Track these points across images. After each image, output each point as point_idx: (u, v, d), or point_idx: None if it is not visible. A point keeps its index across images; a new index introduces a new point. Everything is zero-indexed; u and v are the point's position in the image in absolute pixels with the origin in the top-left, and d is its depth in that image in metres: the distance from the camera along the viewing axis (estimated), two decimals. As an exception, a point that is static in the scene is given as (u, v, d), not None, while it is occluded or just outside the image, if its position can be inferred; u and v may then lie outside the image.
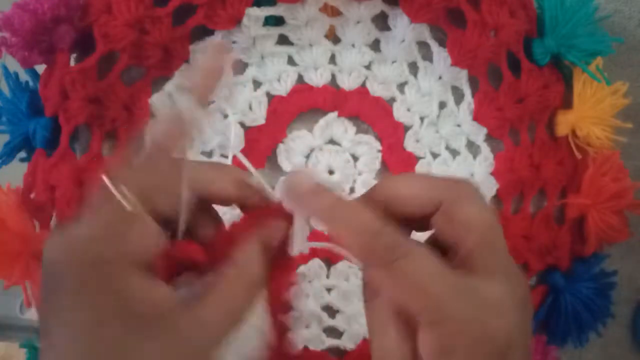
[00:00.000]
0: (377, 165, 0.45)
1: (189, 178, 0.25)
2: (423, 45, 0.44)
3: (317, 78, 0.44)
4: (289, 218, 0.26)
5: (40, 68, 0.40)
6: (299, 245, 0.26)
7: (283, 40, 0.43)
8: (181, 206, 0.24)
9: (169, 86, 0.25)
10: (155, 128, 0.25)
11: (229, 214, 0.29)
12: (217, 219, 0.28)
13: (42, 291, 0.22)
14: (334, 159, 0.44)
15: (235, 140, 0.43)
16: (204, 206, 0.26)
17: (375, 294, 0.25)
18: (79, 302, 0.21)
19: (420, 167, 0.45)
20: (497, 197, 0.45)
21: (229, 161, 0.42)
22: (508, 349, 0.23)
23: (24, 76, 0.42)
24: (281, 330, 0.27)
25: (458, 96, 0.45)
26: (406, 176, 0.28)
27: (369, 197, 0.26)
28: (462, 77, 0.44)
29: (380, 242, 0.23)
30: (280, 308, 0.27)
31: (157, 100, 0.42)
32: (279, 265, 0.26)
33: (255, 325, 0.26)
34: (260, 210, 0.27)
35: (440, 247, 0.25)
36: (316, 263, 0.44)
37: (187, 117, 0.25)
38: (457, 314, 0.22)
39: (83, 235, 0.22)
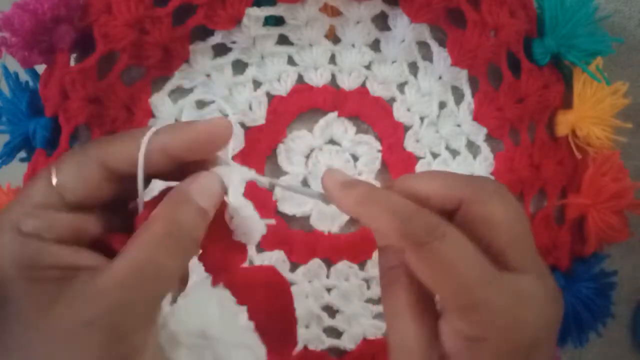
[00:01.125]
0: (377, 165, 0.45)
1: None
2: (423, 45, 0.44)
3: (317, 78, 0.44)
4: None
5: (40, 68, 0.40)
6: (235, 197, 0.25)
7: (283, 40, 0.43)
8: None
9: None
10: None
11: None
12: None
13: None
14: (334, 159, 0.44)
15: (235, 140, 0.43)
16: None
17: (393, 280, 0.25)
18: None
19: (420, 167, 0.45)
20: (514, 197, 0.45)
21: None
22: (536, 343, 0.23)
23: (24, 76, 0.42)
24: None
25: (458, 96, 0.45)
26: (425, 174, 0.28)
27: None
28: (462, 77, 0.44)
29: (417, 222, 0.23)
30: (279, 331, 0.27)
31: (157, 100, 0.42)
32: (225, 252, 0.26)
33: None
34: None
35: None
36: (316, 263, 0.44)
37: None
38: (490, 302, 0.22)
39: (7, 211, 0.24)
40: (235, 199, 0.25)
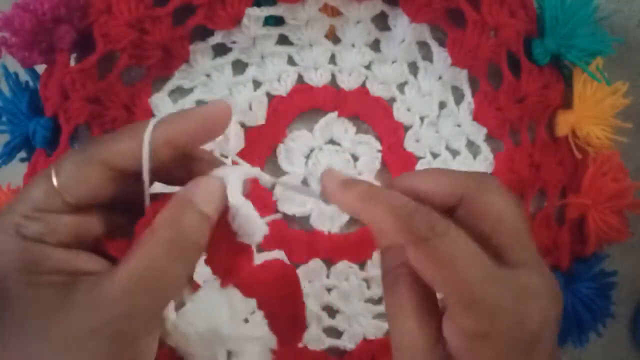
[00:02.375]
0: (377, 165, 0.45)
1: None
2: (423, 45, 0.44)
3: (317, 78, 0.44)
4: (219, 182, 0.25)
5: (40, 68, 0.40)
6: (235, 198, 0.25)
7: (283, 40, 0.43)
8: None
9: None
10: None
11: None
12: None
13: None
14: (334, 159, 0.44)
15: (235, 140, 0.43)
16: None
17: (396, 280, 0.25)
18: None
19: (420, 167, 0.45)
20: (513, 193, 0.45)
21: (228, 162, 0.43)
22: (538, 337, 0.23)
23: (24, 76, 0.42)
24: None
25: (458, 96, 0.45)
26: (424, 171, 0.27)
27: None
28: (462, 77, 0.44)
29: (417, 219, 0.23)
30: (288, 318, 0.27)
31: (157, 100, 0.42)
32: (231, 254, 0.26)
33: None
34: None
35: None
36: (316, 263, 0.44)
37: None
38: (491, 297, 0.22)
39: (7, 212, 0.23)
40: (234, 198, 0.25)
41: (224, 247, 0.26)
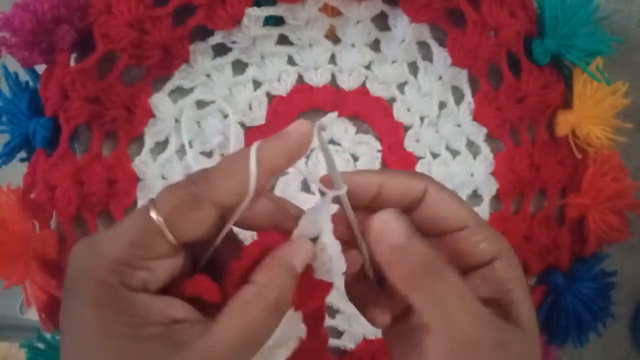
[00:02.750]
0: (377, 165, 0.45)
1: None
2: (423, 45, 0.44)
3: (317, 78, 0.44)
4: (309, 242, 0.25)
5: (40, 68, 0.40)
6: (336, 269, 0.25)
7: (283, 40, 0.43)
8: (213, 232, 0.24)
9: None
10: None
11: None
12: (235, 239, 0.27)
13: (63, 292, 0.23)
14: (334, 159, 0.44)
15: (236, 140, 0.43)
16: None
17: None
18: (91, 315, 0.21)
19: (420, 167, 0.45)
20: (497, 197, 0.45)
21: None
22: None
23: (24, 76, 0.42)
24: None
25: (458, 96, 0.45)
26: (394, 171, 0.27)
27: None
28: (462, 77, 0.44)
29: (421, 259, 0.24)
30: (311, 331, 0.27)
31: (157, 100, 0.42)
32: (307, 290, 0.26)
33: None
34: (274, 234, 0.25)
35: None
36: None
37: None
38: (478, 345, 0.23)
39: (107, 252, 0.22)
40: (328, 238, 0.25)
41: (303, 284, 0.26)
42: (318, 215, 0.25)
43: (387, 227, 0.24)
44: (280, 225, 0.26)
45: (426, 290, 0.24)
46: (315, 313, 0.27)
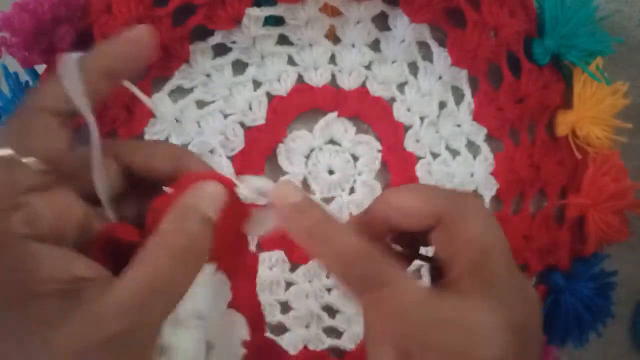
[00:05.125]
0: (377, 165, 0.45)
1: (117, 153, 0.24)
2: (423, 45, 0.44)
3: (317, 78, 0.44)
4: (230, 185, 0.24)
5: (40, 68, 0.40)
6: (258, 228, 0.24)
7: (283, 40, 0.43)
8: (100, 184, 0.23)
9: None
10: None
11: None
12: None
13: None
14: (334, 159, 0.44)
15: (235, 140, 0.43)
16: (139, 186, 0.25)
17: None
18: None
19: (420, 167, 0.45)
20: (497, 197, 0.45)
21: (230, 164, 0.43)
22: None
23: (24, 76, 0.42)
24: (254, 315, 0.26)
25: (458, 96, 0.45)
26: (408, 188, 0.26)
27: (370, 211, 0.26)
28: (462, 77, 0.44)
29: (355, 271, 0.22)
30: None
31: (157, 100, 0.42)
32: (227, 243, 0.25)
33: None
34: (195, 174, 0.24)
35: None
36: (316, 263, 0.44)
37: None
38: (436, 345, 0.21)
39: None
40: (252, 182, 0.24)
41: (230, 240, 0.25)
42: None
43: (283, 187, 0.25)
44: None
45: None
46: (252, 310, 0.26)
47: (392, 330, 0.22)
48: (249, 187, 0.25)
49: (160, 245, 0.22)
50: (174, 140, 0.43)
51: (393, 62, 0.45)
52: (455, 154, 0.45)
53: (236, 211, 0.25)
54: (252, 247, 0.43)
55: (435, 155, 0.45)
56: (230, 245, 0.25)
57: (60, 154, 0.23)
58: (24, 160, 0.21)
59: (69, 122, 0.24)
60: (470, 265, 0.22)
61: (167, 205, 0.23)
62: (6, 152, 0.21)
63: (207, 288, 0.24)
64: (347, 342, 0.44)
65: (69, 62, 0.23)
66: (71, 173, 0.24)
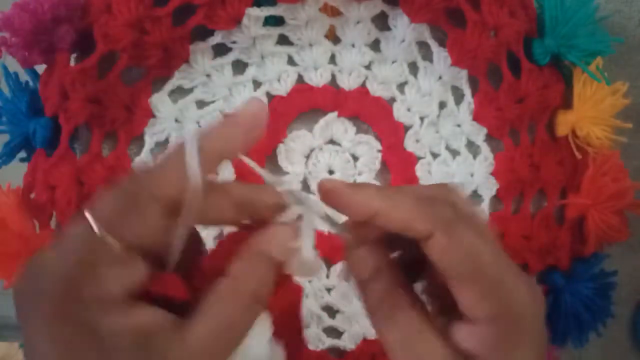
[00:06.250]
0: (377, 165, 0.45)
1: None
2: (423, 45, 0.44)
3: (317, 78, 0.44)
4: (291, 230, 0.24)
5: (41, 68, 0.40)
6: (308, 254, 0.23)
7: (283, 40, 0.43)
8: (175, 236, 0.22)
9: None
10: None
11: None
12: (200, 243, 0.25)
13: (17, 318, 0.21)
14: (334, 159, 0.44)
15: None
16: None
17: (392, 309, 0.24)
18: (50, 340, 0.20)
19: (420, 167, 0.45)
20: (497, 197, 0.45)
21: (230, 164, 0.43)
22: (545, 345, 0.24)
23: (24, 76, 0.42)
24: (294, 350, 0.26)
25: (458, 96, 0.45)
26: (400, 202, 0.24)
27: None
28: (462, 77, 0.44)
29: (441, 208, 0.23)
30: (287, 330, 0.26)
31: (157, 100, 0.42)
32: (281, 283, 0.24)
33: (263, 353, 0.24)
34: (252, 226, 0.24)
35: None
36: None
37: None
38: (510, 281, 0.23)
39: (52, 272, 0.20)
40: (307, 252, 0.24)
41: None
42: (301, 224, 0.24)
43: (328, 180, 0.25)
44: (254, 215, 0.24)
45: None
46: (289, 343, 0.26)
47: (471, 263, 0.22)
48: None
49: (232, 290, 0.21)
50: (174, 140, 0.43)
51: (393, 62, 0.45)
52: (455, 154, 0.45)
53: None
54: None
55: (435, 155, 0.45)
56: (280, 292, 0.25)
57: (153, 242, 0.22)
58: (114, 244, 0.20)
59: (170, 213, 0.21)
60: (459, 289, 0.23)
61: (236, 245, 0.23)
62: (100, 230, 0.20)
63: (261, 347, 0.23)
64: (347, 342, 0.44)
65: (191, 144, 0.21)
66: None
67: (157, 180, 0.21)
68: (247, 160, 0.24)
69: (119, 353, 0.20)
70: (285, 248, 0.23)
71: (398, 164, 0.45)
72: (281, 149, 0.44)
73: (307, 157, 0.44)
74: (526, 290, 0.23)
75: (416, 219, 0.22)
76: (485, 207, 0.45)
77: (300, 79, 0.44)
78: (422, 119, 0.45)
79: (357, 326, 0.44)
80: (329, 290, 0.45)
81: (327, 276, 0.44)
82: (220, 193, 0.23)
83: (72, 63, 0.40)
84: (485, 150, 0.45)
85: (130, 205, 0.21)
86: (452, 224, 0.22)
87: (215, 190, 0.23)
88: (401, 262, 0.26)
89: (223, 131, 0.23)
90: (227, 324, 0.21)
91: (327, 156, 0.44)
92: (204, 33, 0.42)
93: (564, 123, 0.44)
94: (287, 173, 0.44)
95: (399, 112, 0.45)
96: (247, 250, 0.23)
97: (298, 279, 0.25)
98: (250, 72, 0.43)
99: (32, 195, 0.41)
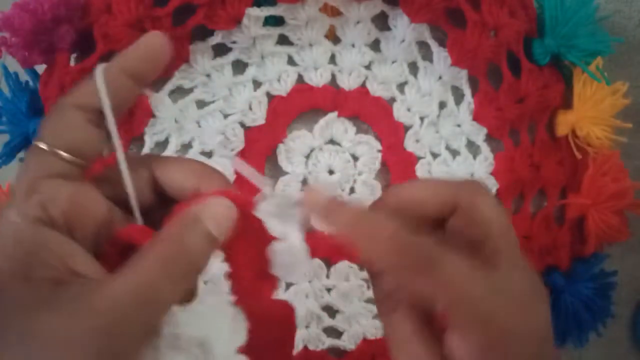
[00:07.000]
0: (377, 165, 0.45)
1: (146, 165, 0.24)
2: (423, 45, 0.44)
3: (317, 78, 0.44)
4: (248, 207, 0.24)
5: (41, 68, 0.40)
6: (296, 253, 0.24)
7: (283, 40, 0.43)
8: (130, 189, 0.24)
9: None
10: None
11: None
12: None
13: None
14: (334, 159, 0.44)
15: (235, 139, 0.43)
16: (168, 202, 0.25)
17: (393, 308, 0.25)
18: None
19: (420, 167, 0.45)
20: (497, 197, 0.45)
21: (229, 164, 0.43)
22: (545, 342, 0.23)
23: (24, 76, 0.42)
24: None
25: (458, 96, 0.45)
26: (417, 181, 0.27)
27: (381, 203, 0.26)
28: (462, 77, 0.44)
29: (414, 253, 0.23)
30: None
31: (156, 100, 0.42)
32: (254, 282, 0.24)
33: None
34: (211, 192, 0.24)
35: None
36: (316, 263, 0.44)
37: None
38: (498, 313, 0.22)
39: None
40: (296, 241, 0.24)
41: (251, 270, 0.25)
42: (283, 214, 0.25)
43: (313, 191, 0.26)
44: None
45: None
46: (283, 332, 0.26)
47: (454, 303, 0.23)
48: (274, 203, 0.25)
49: (152, 251, 0.22)
50: (174, 140, 0.43)
51: (393, 62, 0.45)
52: (455, 154, 0.45)
53: (256, 238, 0.25)
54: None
55: (435, 155, 0.45)
56: (250, 279, 0.25)
57: (89, 148, 0.24)
58: (53, 149, 0.23)
59: (101, 122, 0.24)
60: (501, 242, 0.24)
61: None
62: (37, 143, 0.23)
63: (217, 319, 0.24)
64: (347, 342, 0.44)
65: (99, 67, 0.24)
66: (105, 177, 0.25)
67: (76, 92, 0.24)
68: (239, 162, 0.26)
69: (36, 283, 0.20)
70: (220, 220, 0.23)
71: (398, 164, 0.45)
72: (281, 149, 0.44)
73: (307, 157, 0.44)
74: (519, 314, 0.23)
75: (386, 262, 0.23)
76: (485, 207, 0.45)
77: (300, 79, 0.44)
78: (422, 119, 0.45)
79: (357, 326, 0.44)
80: (329, 290, 0.45)
81: (327, 276, 0.44)
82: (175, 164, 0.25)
83: (72, 63, 0.40)
84: (485, 150, 0.45)
85: (55, 116, 0.24)
86: (427, 268, 0.23)
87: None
88: None
89: (125, 54, 0.25)
90: (139, 281, 0.21)
91: (327, 156, 0.44)
92: (204, 33, 0.42)
93: (564, 123, 0.44)
94: (287, 173, 0.44)
95: (399, 112, 0.45)
96: (179, 216, 0.23)
97: (292, 298, 0.25)
98: (250, 72, 0.43)
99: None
